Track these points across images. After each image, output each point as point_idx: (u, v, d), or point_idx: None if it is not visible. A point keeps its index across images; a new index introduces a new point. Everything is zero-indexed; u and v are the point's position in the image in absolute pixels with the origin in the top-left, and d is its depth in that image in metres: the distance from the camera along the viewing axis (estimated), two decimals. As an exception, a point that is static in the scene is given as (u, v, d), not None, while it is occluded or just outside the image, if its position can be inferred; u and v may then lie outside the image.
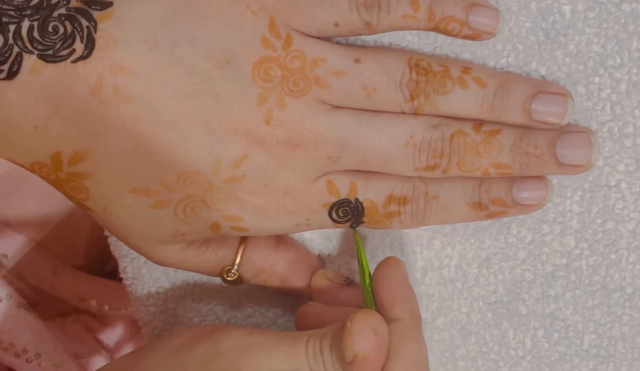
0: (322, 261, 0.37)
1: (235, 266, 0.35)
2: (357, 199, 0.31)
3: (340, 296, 0.35)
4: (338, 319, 0.30)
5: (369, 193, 0.32)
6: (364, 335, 0.28)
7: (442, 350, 0.37)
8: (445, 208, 0.32)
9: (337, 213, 0.32)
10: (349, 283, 0.35)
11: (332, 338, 0.29)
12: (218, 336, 0.30)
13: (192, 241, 0.33)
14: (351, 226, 0.32)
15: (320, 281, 0.35)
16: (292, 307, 0.38)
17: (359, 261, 0.32)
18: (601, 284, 0.34)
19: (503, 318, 0.36)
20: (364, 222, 0.32)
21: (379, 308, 0.31)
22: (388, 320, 0.30)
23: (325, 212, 0.31)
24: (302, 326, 0.34)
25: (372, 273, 0.32)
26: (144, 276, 0.38)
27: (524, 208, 0.32)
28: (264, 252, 0.35)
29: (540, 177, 0.32)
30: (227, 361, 0.29)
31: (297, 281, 0.36)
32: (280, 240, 0.36)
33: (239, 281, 0.35)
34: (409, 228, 0.33)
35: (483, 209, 0.32)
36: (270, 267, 0.35)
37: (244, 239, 0.35)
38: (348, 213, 0.32)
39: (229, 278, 0.35)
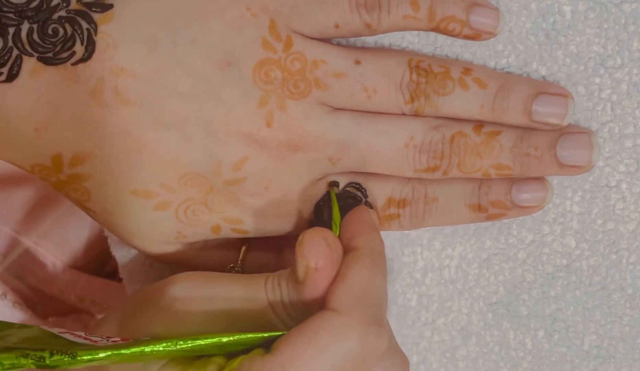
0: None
1: (239, 263, 0.34)
2: (356, 200, 0.31)
3: None
4: None
5: (368, 195, 0.32)
6: (315, 243, 0.27)
7: (443, 351, 0.37)
8: (444, 210, 0.32)
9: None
10: None
11: (289, 272, 0.28)
12: (175, 276, 0.30)
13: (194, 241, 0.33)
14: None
15: None
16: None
17: (332, 214, 0.31)
18: (602, 285, 0.34)
19: (503, 319, 0.36)
20: None
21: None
22: (345, 251, 0.29)
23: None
24: None
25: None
26: (143, 277, 0.38)
27: (523, 209, 0.32)
28: (267, 247, 0.35)
29: (539, 179, 0.32)
30: (182, 287, 0.29)
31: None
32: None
33: None
34: (408, 229, 0.33)
35: (482, 211, 0.32)
36: (274, 261, 0.35)
37: None
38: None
39: None
